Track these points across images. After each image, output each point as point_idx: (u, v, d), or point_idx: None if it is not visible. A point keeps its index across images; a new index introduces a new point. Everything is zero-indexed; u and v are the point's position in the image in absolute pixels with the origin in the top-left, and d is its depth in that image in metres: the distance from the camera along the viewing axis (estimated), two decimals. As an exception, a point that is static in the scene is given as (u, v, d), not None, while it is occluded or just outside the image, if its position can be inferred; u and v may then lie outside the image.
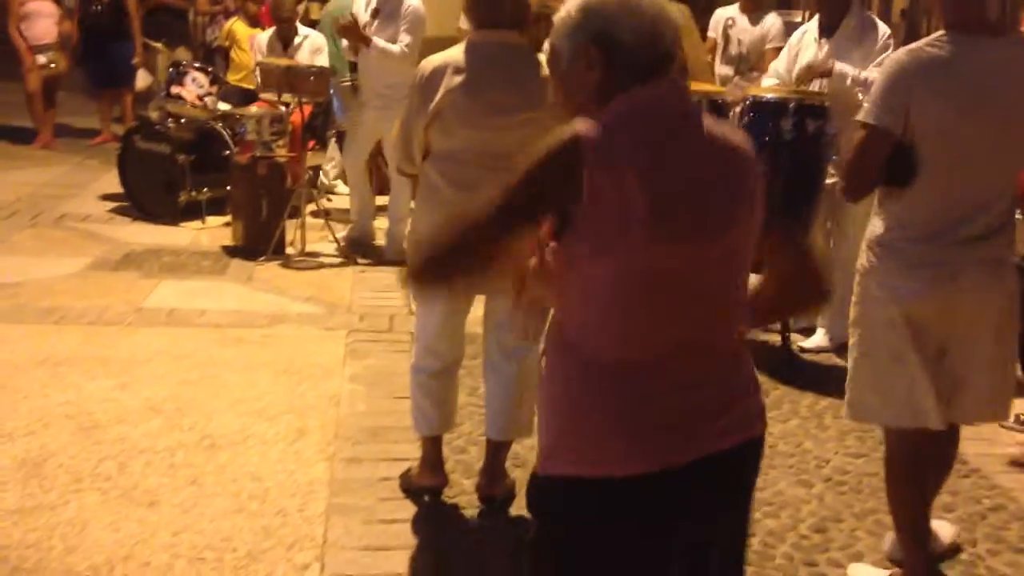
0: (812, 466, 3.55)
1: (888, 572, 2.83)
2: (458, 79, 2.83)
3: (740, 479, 1.69)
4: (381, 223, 6.19)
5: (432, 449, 3.20)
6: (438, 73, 2.86)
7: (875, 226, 2.66)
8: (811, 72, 4.67)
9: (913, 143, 2.51)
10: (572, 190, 1.49)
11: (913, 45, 2.56)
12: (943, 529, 3.01)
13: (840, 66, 4.47)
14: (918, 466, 2.74)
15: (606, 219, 1.49)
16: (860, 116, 2.58)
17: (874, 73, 4.40)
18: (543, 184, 1.54)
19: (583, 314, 1.58)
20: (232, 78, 7.79)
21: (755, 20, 5.73)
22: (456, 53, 2.89)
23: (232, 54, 7.87)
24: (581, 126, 1.53)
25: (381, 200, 6.42)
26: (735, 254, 1.62)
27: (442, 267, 1.62)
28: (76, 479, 3.16)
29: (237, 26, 7.90)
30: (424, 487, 3.20)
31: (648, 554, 1.60)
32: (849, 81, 4.42)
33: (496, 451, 3.16)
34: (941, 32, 2.54)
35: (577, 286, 1.56)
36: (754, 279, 1.74)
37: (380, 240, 6.12)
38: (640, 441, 1.55)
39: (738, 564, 1.77)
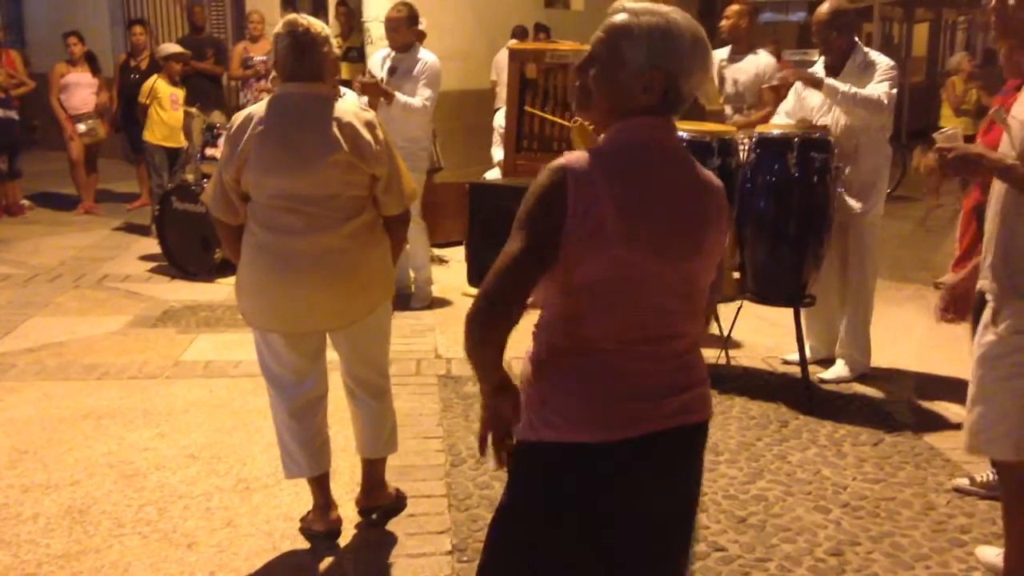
0: (830, 492, 3.61)
1: None
2: (260, 128, 2.90)
3: (687, 453, 1.89)
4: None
5: (316, 491, 3.20)
6: (245, 123, 2.93)
7: (1006, 254, 2.44)
8: (797, 75, 4.83)
9: None
10: (560, 209, 1.70)
11: None
12: None
13: (831, 81, 4.59)
14: None
15: (584, 235, 1.70)
16: None
17: (866, 90, 4.53)
18: (537, 212, 1.73)
19: (561, 307, 1.80)
20: (151, 137, 8.03)
21: (747, 58, 5.76)
22: (262, 105, 2.97)
23: (152, 111, 8.00)
24: (570, 158, 1.74)
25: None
26: (700, 270, 1.83)
27: (494, 311, 1.74)
28: (119, 524, 3.31)
29: (159, 84, 8.04)
30: (315, 533, 3.21)
31: (594, 512, 1.79)
32: (839, 96, 4.53)
33: (372, 466, 3.29)
34: None
35: (557, 285, 1.77)
36: None
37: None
38: (597, 414, 1.77)
39: (687, 524, 1.94)
